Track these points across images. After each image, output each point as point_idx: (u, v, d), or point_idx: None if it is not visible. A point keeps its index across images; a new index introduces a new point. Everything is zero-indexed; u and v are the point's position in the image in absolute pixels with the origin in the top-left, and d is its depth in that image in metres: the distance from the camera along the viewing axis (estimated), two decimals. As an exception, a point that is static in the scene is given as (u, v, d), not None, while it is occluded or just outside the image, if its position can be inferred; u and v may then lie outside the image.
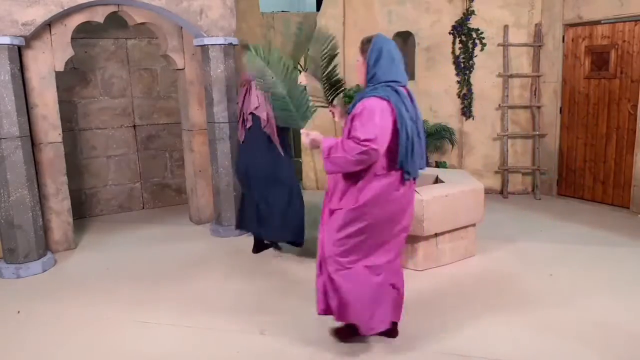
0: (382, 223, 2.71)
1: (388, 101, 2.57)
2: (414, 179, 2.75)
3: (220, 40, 4.79)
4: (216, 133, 4.93)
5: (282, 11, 7.96)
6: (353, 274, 2.73)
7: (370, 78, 2.68)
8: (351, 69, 6.67)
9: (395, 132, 2.59)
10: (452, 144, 6.27)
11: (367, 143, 2.49)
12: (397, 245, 2.84)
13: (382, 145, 2.54)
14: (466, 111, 6.41)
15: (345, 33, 6.56)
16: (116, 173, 6.00)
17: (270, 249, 4.56)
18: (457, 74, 6.38)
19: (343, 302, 2.75)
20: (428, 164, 6.05)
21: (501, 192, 6.44)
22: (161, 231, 5.28)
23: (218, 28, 4.81)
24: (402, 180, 2.68)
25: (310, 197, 6.45)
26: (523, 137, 6.38)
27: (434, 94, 6.50)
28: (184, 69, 5.13)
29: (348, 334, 2.97)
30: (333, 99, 3.19)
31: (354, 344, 2.96)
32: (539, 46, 6.18)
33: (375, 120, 2.52)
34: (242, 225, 4.54)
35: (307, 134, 2.79)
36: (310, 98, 3.11)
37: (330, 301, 2.80)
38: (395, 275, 2.88)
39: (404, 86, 2.69)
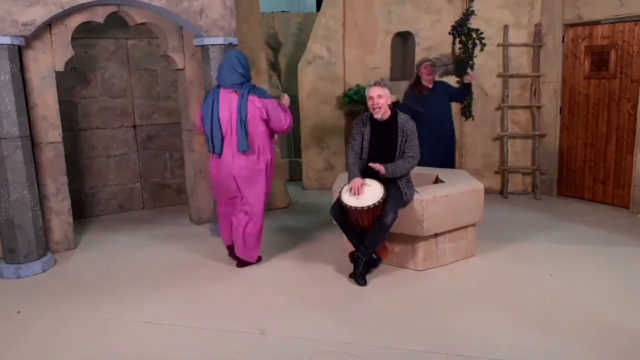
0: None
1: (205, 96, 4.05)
2: (219, 154, 3.92)
3: (220, 41, 4.79)
4: (216, 133, 4.92)
5: (282, 11, 7.96)
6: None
7: None
8: (351, 69, 6.68)
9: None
10: (452, 144, 6.26)
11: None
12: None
13: (200, 124, 4.04)
14: (466, 111, 6.41)
15: (345, 33, 6.56)
16: (116, 173, 5.99)
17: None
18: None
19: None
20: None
21: (501, 192, 6.44)
22: (161, 231, 5.28)
23: (218, 28, 4.82)
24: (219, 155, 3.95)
25: (313, 197, 6.49)
26: (523, 137, 6.38)
27: (434, 94, 6.50)
28: (184, 69, 5.13)
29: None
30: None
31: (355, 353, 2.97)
32: (539, 46, 6.18)
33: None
34: None
35: None
36: None
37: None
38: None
39: (228, 88, 3.87)
